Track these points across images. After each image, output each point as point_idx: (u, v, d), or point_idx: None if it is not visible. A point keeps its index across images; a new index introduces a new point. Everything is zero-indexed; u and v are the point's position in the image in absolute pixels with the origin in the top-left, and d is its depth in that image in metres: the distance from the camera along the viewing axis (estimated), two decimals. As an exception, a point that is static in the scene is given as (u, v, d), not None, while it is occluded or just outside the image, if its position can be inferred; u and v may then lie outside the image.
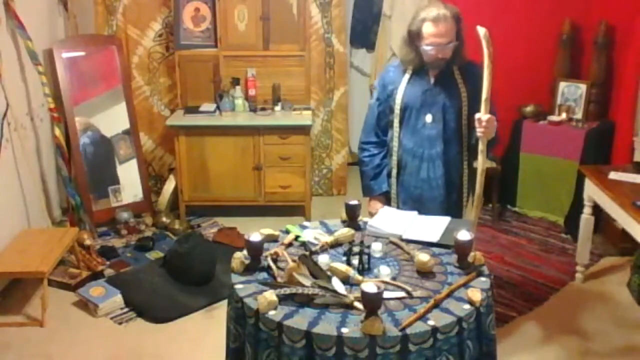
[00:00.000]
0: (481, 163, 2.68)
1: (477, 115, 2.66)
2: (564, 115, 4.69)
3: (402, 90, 2.87)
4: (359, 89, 5.72)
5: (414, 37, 2.78)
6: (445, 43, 2.71)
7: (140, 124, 5.00)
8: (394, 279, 2.19)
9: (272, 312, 1.99)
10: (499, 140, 2.94)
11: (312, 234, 2.52)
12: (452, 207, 2.95)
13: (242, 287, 2.16)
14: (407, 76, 2.88)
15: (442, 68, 2.83)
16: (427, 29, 2.71)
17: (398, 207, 2.95)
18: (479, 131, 2.67)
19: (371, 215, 2.92)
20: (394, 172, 2.98)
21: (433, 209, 2.87)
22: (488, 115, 2.64)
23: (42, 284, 3.52)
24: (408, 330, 1.90)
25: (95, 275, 3.97)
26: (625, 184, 3.46)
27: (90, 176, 4.64)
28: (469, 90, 2.84)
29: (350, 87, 5.48)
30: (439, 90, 2.85)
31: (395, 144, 2.95)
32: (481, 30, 2.58)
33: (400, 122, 2.91)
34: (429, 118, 2.86)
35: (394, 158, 2.96)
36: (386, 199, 3.02)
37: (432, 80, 2.86)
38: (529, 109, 4.79)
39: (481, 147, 2.68)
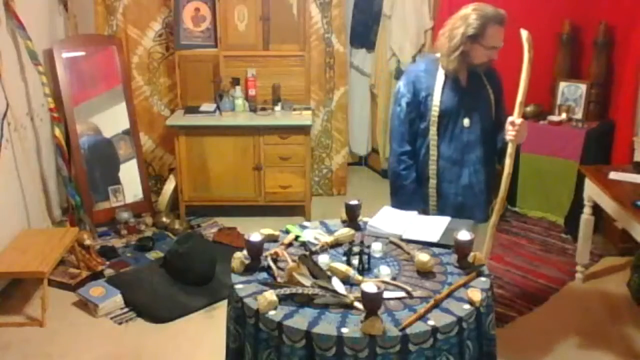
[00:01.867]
0: (508, 167, 2.65)
1: (510, 119, 2.62)
2: (564, 115, 4.69)
3: (438, 95, 2.74)
4: (359, 89, 5.72)
5: (467, 40, 2.62)
6: (502, 45, 2.65)
7: (140, 124, 5.00)
8: (394, 279, 2.19)
9: (272, 312, 1.99)
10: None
11: (312, 234, 2.52)
12: (488, 210, 2.90)
13: (242, 287, 2.16)
14: (440, 81, 2.75)
15: (471, 71, 2.75)
16: (494, 30, 2.59)
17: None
18: (510, 134, 2.63)
19: None
20: (433, 182, 2.84)
21: (476, 214, 2.82)
22: (521, 119, 2.61)
23: (42, 284, 3.52)
24: (408, 330, 1.90)
25: (95, 275, 3.97)
26: (625, 184, 3.46)
27: (90, 176, 4.64)
28: (494, 93, 2.81)
29: (350, 87, 5.48)
30: (473, 94, 2.78)
31: (433, 152, 2.80)
32: (524, 33, 2.53)
33: (438, 129, 2.78)
34: (466, 122, 2.76)
35: (432, 167, 2.82)
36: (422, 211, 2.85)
37: (463, 84, 2.77)
38: (529, 109, 4.78)
39: (510, 150, 2.64)
